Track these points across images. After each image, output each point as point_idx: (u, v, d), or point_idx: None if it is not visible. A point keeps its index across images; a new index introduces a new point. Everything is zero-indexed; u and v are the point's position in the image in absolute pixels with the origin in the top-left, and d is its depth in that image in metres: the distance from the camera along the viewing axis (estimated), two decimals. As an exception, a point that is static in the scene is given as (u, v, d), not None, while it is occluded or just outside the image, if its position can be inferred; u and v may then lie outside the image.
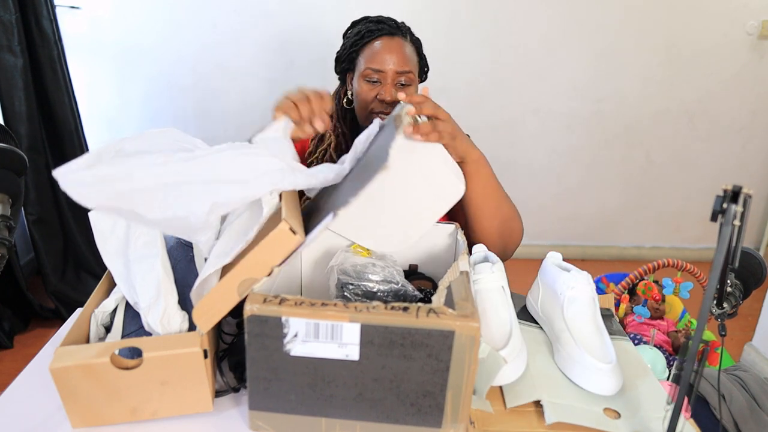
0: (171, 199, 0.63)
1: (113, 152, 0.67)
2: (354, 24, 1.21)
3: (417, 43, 1.19)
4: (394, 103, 1.11)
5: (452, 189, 0.74)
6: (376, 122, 0.92)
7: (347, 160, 0.82)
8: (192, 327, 0.67)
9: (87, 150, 2.25)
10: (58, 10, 2.13)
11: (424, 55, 1.21)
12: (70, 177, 0.60)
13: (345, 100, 1.22)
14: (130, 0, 2.32)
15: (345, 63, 1.19)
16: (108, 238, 0.74)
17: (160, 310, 0.66)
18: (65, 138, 2.17)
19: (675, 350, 1.46)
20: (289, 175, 0.70)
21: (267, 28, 2.41)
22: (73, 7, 2.28)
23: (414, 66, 1.15)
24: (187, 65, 2.44)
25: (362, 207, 0.67)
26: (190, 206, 0.64)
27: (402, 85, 1.13)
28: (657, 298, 1.52)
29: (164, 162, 0.65)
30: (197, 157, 0.68)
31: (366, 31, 1.15)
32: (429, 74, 1.24)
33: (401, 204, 0.71)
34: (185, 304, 0.70)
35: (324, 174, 0.75)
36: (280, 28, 2.41)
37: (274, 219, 0.69)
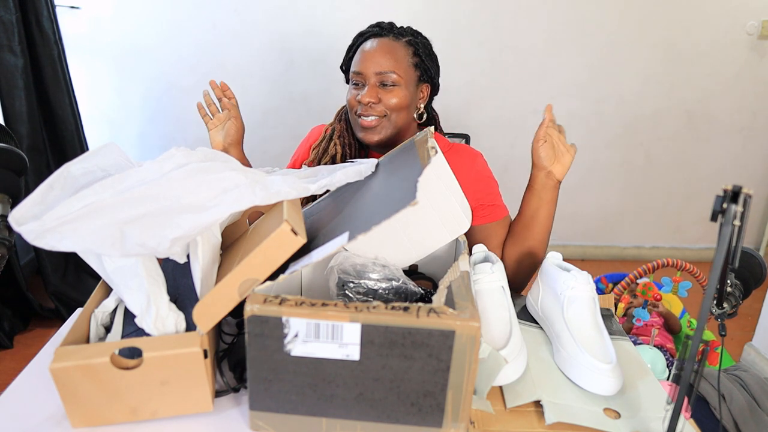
0: (128, 236, 0.62)
1: (62, 179, 0.67)
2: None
3: (416, 45, 1.14)
4: (372, 104, 1.10)
5: (459, 223, 0.77)
6: (371, 163, 0.92)
7: (322, 174, 0.84)
8: (190, 326, 0.67)
9: (87, 149, 2.25)
10: (58, 10, 2.13)
11: (428, 57, 1.17)
12: (23, 223, 0.59)
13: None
14: (130, 0, 2.32)
15: (347, 72, 1.19)
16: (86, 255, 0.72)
17: (153, 315, 0.65)
18: (65, 138, 2.17)
19: (670, 331, 1.47)
20: (248, 194, 0.70)
21: (267, 28, 2.40)
22: (73, 7, 2.28)
23: (402, 67, 1.10)
24: (187, 65, 2.44)
25: (381, 234, 0.69)
26: (149, 244, 0.62)
27: (384, 86, 1.10)
28: (658, 297, 1.52)
29: (117, 192, 0.65)
30: (149, 182, 0.68)
31: (359, 35, 1.16)
32: None
33: (414, 233, 0.73)
34: (183, 301, 0.70)
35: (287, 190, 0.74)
36: (280, 28, 2.41)
37: (276, 219, 0.69)
